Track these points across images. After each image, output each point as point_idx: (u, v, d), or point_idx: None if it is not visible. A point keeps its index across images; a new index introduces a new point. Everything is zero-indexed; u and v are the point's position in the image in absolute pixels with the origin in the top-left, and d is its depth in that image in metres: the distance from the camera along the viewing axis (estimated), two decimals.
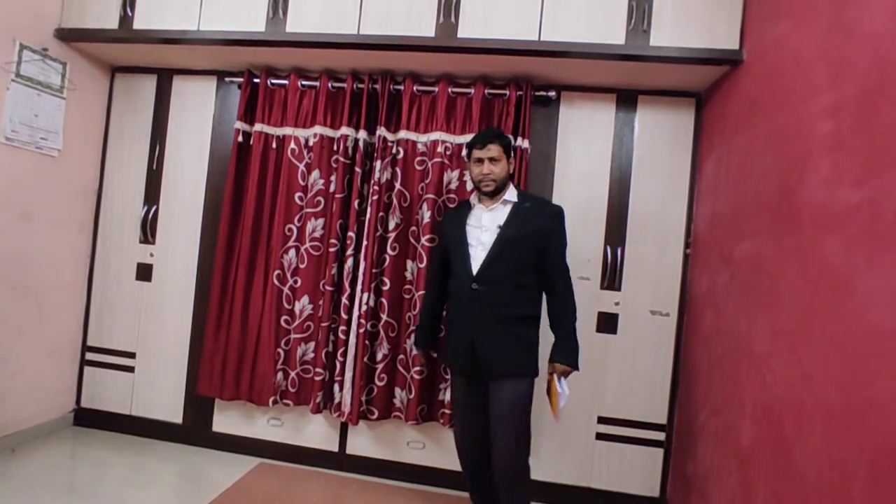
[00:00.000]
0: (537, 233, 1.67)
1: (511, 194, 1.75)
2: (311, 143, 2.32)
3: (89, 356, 2.56)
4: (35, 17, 2.19)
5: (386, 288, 2.22)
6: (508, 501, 1.69)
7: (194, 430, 2.47)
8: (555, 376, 1.66)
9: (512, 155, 1.81)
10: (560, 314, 1.69)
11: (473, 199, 1.81)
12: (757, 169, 1.65)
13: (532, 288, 1.70)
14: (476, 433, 1.76)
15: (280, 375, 2.31)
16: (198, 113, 2.51)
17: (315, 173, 2.30)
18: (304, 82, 2.33)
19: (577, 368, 1.66)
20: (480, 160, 1.72)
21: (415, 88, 2.25)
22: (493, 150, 1.71)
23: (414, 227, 2.25)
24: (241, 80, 2.38)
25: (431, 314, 1.95)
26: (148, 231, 2.51)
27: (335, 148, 2.30)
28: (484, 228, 1.72)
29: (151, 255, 2.51)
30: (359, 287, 2.21)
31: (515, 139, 2.16)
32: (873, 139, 1.12)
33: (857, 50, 1.21)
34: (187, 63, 2.45)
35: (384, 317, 2.22)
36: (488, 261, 1.67)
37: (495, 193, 1.74)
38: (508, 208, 1.73)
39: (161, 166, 2.52)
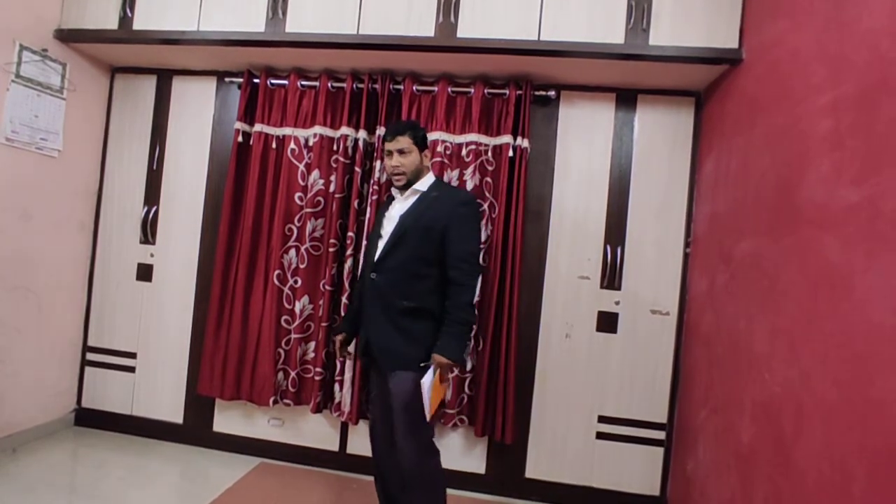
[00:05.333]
0: (437, 222, 1.62)
1: (422, 184, 1.72)
2: (310, 143, 2.32)
3: (90, 356, 2.56)
4: (35, 18, 2.20)
5: None
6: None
7: (195, 430, 2.47)
8: (431, 369, 1.58)
9: (426, 146, 1.76)
10: (447, 307, 1.61)
11: (393, 189, 1.80)
12: (756, 168, 1.65)
13: (430, 279, 1.64)
14: (380, 429, 1.74)
15: (280, 375, 2.32)
16: (198, 113, 2.51)
17: (315, 173, 2.30)
18: (303, 82, 2.33)
19: (455, 361, 1.59)
20: (390, 153, 1.70)
21: (414, 88, 2.25)
22: (402, 141, 1.68)
23: None
24: (240, 80, 2.38)
25: (353, 307, 1.91)
26: (148, 231, 2.51)
27: (335, 148, 2.30)
28: (391, 219, 1.71)
29: (152, 255, 2.52)
30: None
31: (515, 139, 2.16)
32: (872, 137, 1.12)
33: (856, 48, 1.21)
34: (187, 63, 2.45)
35: None
36: (385, 251, 1.66)
37: (407, 186, 1.71)
38: (416, 198, 1.70)
39: (161, 166, 2.53)
